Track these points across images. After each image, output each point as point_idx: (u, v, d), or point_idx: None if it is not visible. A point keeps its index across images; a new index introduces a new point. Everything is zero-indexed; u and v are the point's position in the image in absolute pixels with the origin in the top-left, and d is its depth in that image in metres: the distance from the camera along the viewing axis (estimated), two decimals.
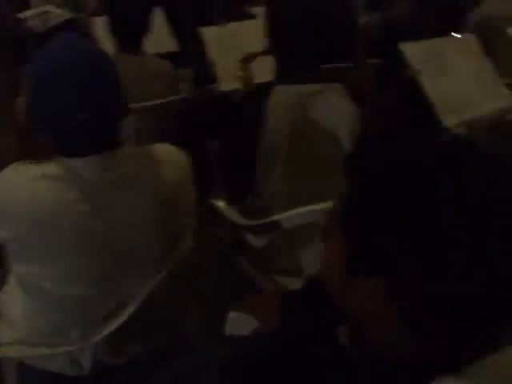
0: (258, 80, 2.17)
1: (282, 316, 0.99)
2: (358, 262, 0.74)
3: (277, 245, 1.82)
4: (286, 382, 0.88)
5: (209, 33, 2.64)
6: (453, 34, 2.35)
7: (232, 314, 1.59)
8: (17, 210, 1.31)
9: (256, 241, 1.87)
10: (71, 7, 3.90)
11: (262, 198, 1.84)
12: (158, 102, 2.56)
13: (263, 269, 1.89)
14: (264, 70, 2.03)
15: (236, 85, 2.24)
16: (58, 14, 3.49)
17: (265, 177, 1.83)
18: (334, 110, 1.73)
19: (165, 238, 1.41)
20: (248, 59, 2.22)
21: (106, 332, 1.37)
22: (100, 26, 2.83)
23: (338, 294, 0.79)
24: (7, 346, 1.43)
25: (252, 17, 3.07)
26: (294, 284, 1.66)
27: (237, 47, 2.49)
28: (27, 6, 3.90)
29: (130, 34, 2.65)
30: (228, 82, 2.41)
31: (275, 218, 1.75)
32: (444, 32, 2.31)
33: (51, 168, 1.32)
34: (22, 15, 3.66)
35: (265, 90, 1.86)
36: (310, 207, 1.65)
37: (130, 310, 1.38)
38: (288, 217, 1.71)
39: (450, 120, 1.86)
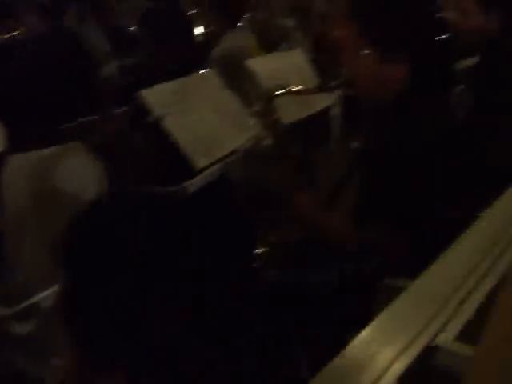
0: None
1: None
2: None
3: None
4: None
5: None
6: (195, 72, 2.37)
7: None
8: None
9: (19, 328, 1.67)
10: None
11: (16, 280, 1.65)
12: None
13: (36, 357, 1.70)
14: None
15: None
16: None
17: (14, 254, 1.65)
18: (76, 171, 1.61)
19: None
20: None
21: None
22: None
23: None
24: None
25: None
26: None
27: None
28: None
29: None
30: None
31: (36, 299, 1.58)
32: (186, 71, 2.31)
33: None
34: None
35: None
36: None
37: None
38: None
39: (201, 161, 1.83)
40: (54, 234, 1.63)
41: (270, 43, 3.68)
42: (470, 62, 2.54)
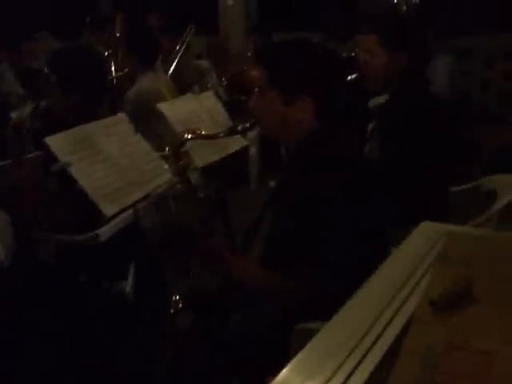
0: None
1: None
2: None
3: None
4: None
5: None
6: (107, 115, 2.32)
7: None
8: None
9: None
10: None
11: None
12: None
13: None
14: None
15: None
16: None
17: None
18: None
19: None
20: None
21: None
22: None
23: None
24: None
25: None
26: None
27: None
28: None
29: None
30: None
31: None
32: (96, 115, 2.26)
33: None
34: None
35: None
36: None
37: None
38: None
39: (110, 209, 1.78)
40: None
41: (184, 85, 3.68)
42: (382, 99, 2.64)
